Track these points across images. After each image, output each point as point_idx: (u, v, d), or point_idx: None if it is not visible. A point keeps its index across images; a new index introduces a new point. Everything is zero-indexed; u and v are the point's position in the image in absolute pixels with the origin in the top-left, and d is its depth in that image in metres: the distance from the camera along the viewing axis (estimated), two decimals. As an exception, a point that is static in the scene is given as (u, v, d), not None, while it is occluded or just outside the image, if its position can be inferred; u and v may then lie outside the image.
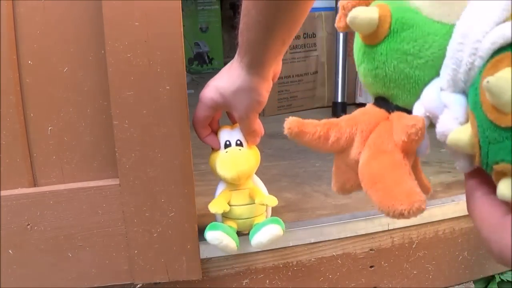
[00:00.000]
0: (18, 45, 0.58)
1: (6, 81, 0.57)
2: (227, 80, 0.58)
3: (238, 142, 0.61)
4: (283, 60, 1.44)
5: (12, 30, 0.57)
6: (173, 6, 0.58)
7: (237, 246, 0.60)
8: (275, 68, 0.59)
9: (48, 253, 0.63)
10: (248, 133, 0.61)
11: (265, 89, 0.58)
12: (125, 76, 0.59)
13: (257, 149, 0.63)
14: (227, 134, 0.62)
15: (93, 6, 0.58)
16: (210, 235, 0.59)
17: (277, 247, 0.73)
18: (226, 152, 0.60)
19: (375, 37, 0.27)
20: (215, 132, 0.64)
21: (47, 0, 0.57)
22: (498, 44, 0.21)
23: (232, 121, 0.65)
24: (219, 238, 0.58)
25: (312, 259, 0.74)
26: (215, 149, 0.62)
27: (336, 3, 1.43)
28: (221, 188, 0.63)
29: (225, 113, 0.66)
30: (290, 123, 0.31)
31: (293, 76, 1.46)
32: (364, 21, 0.27)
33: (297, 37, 1.44)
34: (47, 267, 0.63)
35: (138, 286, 0.68)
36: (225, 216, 0.61)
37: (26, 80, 0.59)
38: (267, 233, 0.59)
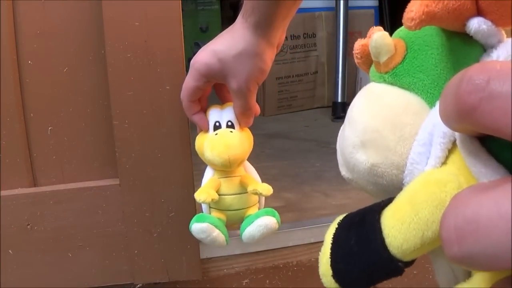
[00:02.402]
0: (18, 45, 0.58)
1: (6, 81, 0.58)
2: (228, 42, 0.51)
3: (229, 123, 0.54)
4: (283, 60, 1.45)
5: (12, 30, 0.57)
6: (173, 6, 0.58)
7: (226, 240, 0.52)
8: (280, 35, 0.53)
9: (48, 253, 0.63)
10: (244, 110, 0.53)
11: (270, 57, 0.52)
12: (125, 76, 0.59)
13: (249, 131, 0.56)
14: (217, 114, 0.54)
15: (93, 6, 0.58)
16: (196, 227, 0.51)
17: (277, 247, 0.73)
18: (216, 134, 0.53)
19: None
20: (204, 111, 0.56)
21: (47, 0, 0.57)
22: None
23: (222, 100, 0.58)
24: (206, 230, 0.50)
25: (312, 259, 0.74)
26: (203, 130, 0.55)
27: (336, 3, 1.43)
28: (208, 175, 0.55)
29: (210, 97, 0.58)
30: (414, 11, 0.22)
31: (293, 76, 1.46)
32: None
33: (297, 37, 1.44)
34: (47, 267, 0.63)
35: (138, 286, 0.68)
36: (213, 207, 0.54)
37: (26, 80, 0.59)
38: (260, 226, 0.51)
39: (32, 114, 0.60)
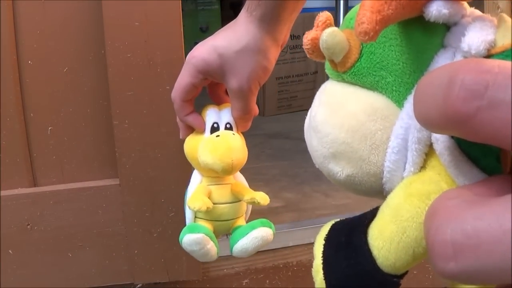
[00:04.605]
0: (18, 45, 0.58)
1: (6, 81, 0.57)
2: (229, 37, 0.47)
3: (228, 125, 0.49)
4: (283, 60, 1.45)
5: (12, 30, 0.57)
6: (173, 6, 0.58)
7: (218, 253, 0.48)
8: (286, 33, 0.49)
9: (48, 253, 0.63)
10: (243, 114, 0.48)
11: (274, 55, 0.48)
12: (125, 76, 0.59)
13: (242, 136, 0.51)
14: (215, 115, 0.49)
15: (93, 6, 0.58)
16: (190, 238, 0.46)
17: (277, 247, 0.73)
18: (217, 136, 0.48)
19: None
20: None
21: (47, 0, 0.57)
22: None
23: (216, 102, 0.53)
24: (200, 242, 0.45)
25: (312, 259, 0.73)
26: (198, 131, 0.50)
27: (336, 3, 1.43)
28: (196, 182, 0.50)
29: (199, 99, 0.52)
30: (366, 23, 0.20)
31: (293, 76, 1.46)
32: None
33: (297, 37, 1.44)
34: (47, 267, 0.63)
35: (138, 286, 0.68)
36: (200, 217, 0.49)
37: (26, 80, 0.59)
38: (256, 239, 0.47)
39: (32, 114, 0.60)
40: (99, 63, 0.59)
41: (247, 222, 0.51)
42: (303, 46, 0.26)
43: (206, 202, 0.46)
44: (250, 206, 0.52)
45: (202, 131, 0.49)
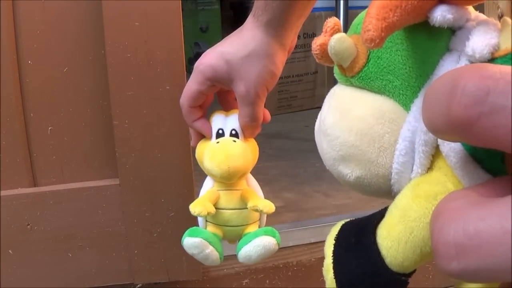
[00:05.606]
0: (18, 45, 0.58)
1: (6, 81, 0.58)
2: (236, 43, 0.47)
3: (233, 132, 0.49)
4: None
5: (12, 30, 0.57)
6: (173, 6, 0.58)
7: (220, 258, 0.48)
8: (292, 38, 0.49)
9: (48, 253, 0.63)
10: (250, 121, 0.48)
11: (281, 60, 0.48)
12: (125, 76, 0.59)
13: (255, 142, 0.52)
14: (221, 121, 0.50)
15: (93, 6, 0.58)
16: (189, 242, 0.47)
17: (277, 247, 0.73)
18: (218, 142, 0.48)
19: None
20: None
21: (47, 0, 0.57)
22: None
23: (226, 109, 0.53)
24: (199, 246, 0.46)
25: (312, 259, 0.74)
26: (206, 137, 0.51)
27: (336, 3, 1.43)
28: (207, 186, 0.51)
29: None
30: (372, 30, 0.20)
31: (293, 76, 1.46)
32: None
33: (297, 37, 1.44)
34: (47, 267, 0.63)
35: (138, 286, 0.68)
36: (209, 221, 0.50)
37: (26, 80, 0.59)
38: (258, 247, 0.47)
39: (32, 114, 0.60)
40: (99, 63, 0.59)
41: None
42: (312, 52, 0.27)
43: (207, 207, 0.46)
44: (265, 215, 0.51)
45: (210, 136, 0.50)
